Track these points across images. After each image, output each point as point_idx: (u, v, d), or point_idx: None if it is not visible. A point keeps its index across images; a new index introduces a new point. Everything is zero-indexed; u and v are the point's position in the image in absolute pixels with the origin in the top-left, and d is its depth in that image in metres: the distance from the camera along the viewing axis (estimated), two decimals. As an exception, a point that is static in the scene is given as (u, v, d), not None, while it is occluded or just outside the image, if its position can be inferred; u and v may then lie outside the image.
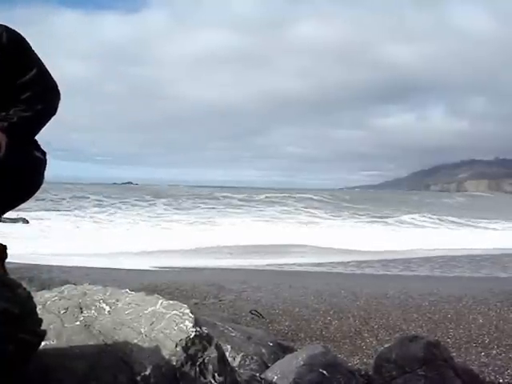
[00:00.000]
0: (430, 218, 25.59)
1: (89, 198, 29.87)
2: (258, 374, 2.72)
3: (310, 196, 38.57)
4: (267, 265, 9.73)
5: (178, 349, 1.72)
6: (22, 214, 20.26)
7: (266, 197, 36.03)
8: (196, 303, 5.38)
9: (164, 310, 1.87)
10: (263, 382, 2.60)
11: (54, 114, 1.91)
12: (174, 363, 1.69)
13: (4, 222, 17.33)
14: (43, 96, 1.84)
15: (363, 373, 3.00)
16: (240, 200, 33.33)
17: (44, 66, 1.89)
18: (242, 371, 2.76)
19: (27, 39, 2.05)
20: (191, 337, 1.76)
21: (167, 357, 1.70)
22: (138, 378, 1.65)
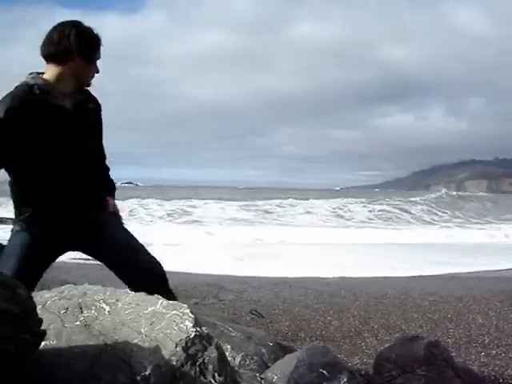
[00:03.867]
0: None
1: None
2: (257, 374, 2.72)
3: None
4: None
5: (178, 349, 1.72)
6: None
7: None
8: (196, 303, 5.39)
9: (164, 310, 1.86)
10: (263, 381, 2.60)
11: None
12: (174, 363, 1.69)
13: (4, 222, 17.34)
14: None
15: (363, 372, 3.00)
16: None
17: None
18: (242, 371, 2.76)
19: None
20: (191, 337, 1.76)
21: (167, 357, 1.70)
22: (138, 378, 1.65)
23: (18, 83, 2.22)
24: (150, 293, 2.11)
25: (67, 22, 2.18)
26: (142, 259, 2.42)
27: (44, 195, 2.27)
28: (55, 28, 2.17)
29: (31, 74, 2.24)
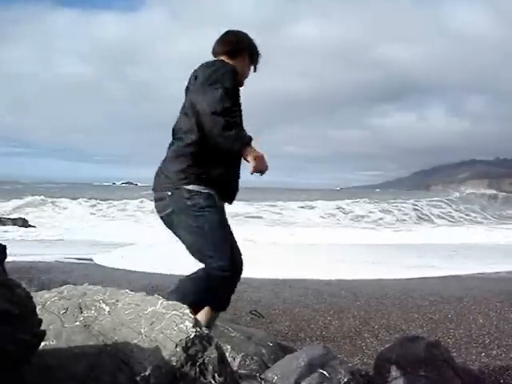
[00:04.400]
0: None
1: (88, 198, 29.82)
2: (258, 374, 2.72)
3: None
4: None
5: (177, 349, 1.72)
6: (21, 215, 20.29)
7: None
8: (196, 303, 5.38)
9: (164, 310, 1.86)
10: (263, 382, 2.60)
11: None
12: (174, 363, 1.69)
13: (4, 222, 17.36)
14: None
15: (363, 373, 2.99)
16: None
17: None
18: (242, 371, 2.76)
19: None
20: (191, 337, 1.75)
21: (167, 357, 1.69)
22: (138, 379, 1.65)
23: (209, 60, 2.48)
24: (231, 289, 2.46)
25: (238, 30, 2.62)
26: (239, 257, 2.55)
27: (230, 175, 2.44)
28: (229, 32, 2.59)
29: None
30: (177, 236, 2.44)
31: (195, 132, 2.31)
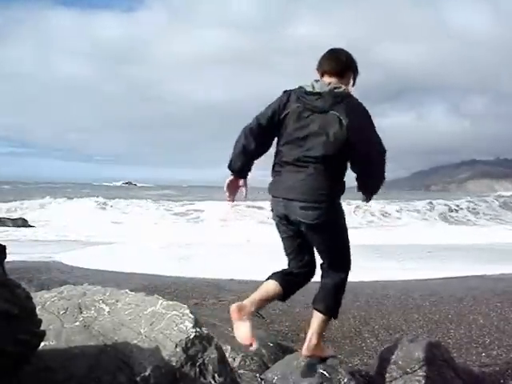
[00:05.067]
0: None
1: (88, 198, 29.79)
2: (258, 375, 2.72)
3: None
4: None
5: (177, 349, 1.72)
6: (21, 215, 20.29)
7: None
8: (196, 303, 5.38)
9: (164, 311, 1.86)
10: (263, 382, 2.60)
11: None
12: (174, 364, 1.69)
13: (4, 222, 17.36)
14: None
15: (364, 373, 2.99)
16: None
17: None
18: (242, 372, 2.76)
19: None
20: (191, 337, 1.75)
21: (167, 357, 1.69)
22: (138, 379, 1.64)
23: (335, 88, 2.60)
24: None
25: (342, 48, 2.75)
26: None
27: None
28: (338, 51, 2.72)
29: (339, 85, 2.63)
30: (318, 240, 2.76)
31: (337, 156, 2.61)
